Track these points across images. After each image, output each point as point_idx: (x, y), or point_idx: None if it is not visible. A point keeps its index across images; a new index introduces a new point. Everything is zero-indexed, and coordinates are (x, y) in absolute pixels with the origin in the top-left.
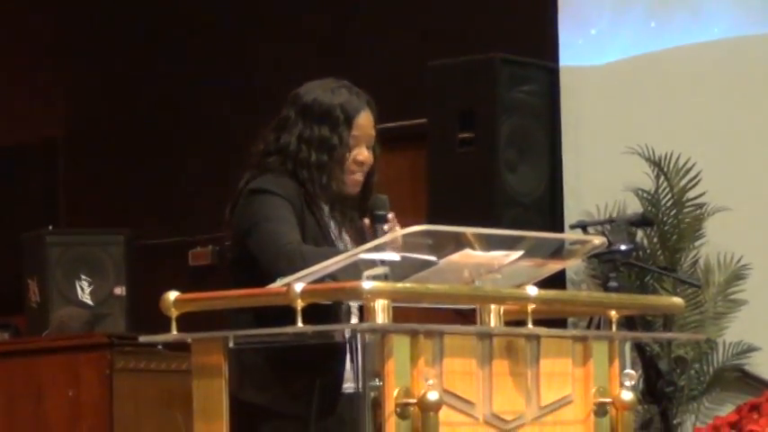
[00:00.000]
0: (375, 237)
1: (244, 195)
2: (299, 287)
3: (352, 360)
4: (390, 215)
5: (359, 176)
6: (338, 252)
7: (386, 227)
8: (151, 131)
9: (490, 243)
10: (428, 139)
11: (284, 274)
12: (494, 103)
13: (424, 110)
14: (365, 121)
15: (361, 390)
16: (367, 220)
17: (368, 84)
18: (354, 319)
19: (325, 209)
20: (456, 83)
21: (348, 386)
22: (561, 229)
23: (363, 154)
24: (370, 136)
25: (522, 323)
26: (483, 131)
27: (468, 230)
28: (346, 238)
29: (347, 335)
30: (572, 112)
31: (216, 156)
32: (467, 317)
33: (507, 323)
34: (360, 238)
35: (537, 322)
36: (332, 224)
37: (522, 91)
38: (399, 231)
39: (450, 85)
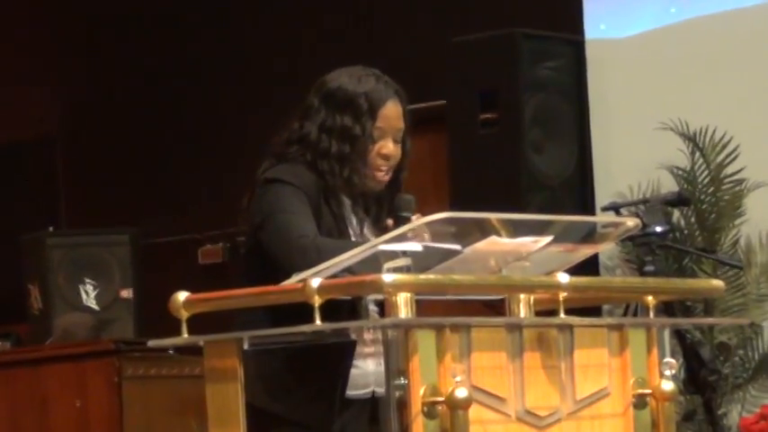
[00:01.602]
0: None
1: (259, 185)
2: (315, 282)
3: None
4: (414, 217)
5: (384, 171)
6: (356, 245)
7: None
8: (155, 124)
9: (517, 229)
10: (448, 121)
11: (299, 269)
12: (517, 80)
13: (443, 90)
14: (392, 112)
15: (384, 390)
16: (390, 221)
17: (383, 65)
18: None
19: (347, 203)
20: (476, 61)
21: (369, 390)
22: (592, 212)
23: (389, 147)
24: (398, 129)
25: (553, 313)
26: (506, 111)
27: (494, 216)
28: (368, 236)
29: (370, 335)
30: (600, 87)
31: (225, 147)
32: (495, 308)
33: (538, 313)
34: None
35: (569, 311)
36: (353, 220)
37: (547, 67)
38: (421, 220)
39: (470, 64)
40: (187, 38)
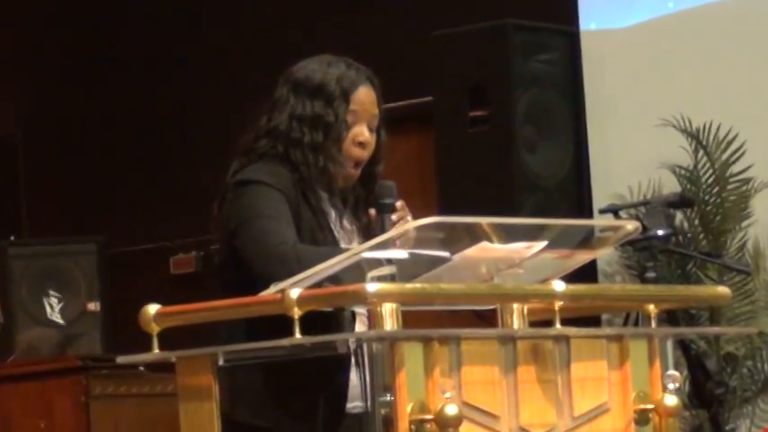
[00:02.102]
0: (382, 229)
1: (230, 188)
2: (295, 293)
3: (358, 374)
4: (399, 203)
5: (361, 159)
6: (339, 251)
7: (394, 217)
8: (122, 126)
9: (509, 234)
10: (435, 118)
11: (278, 279)
12: (508, 75)
13: (428, 86)
14: (366, 96)
15: (369, 407)
16: (373, 211)
17: (364, 59)
18: (361, 327)
19: (324, 196)
20: (464, 54)
21: (355, 405)
22: (590, 215)
23: (364, 134)
24: (373, 114)
25: (548, 323)
26: (497, 108)
27: (484, 220)
28: (348, 227)
29: (352, 345)
30: (596, 81)
31: (197, 149)
32: (487, 319)
33: (532, 324)
34: (365, 232)
35: (566, 321)
36: (332, 213)
37: (540, 60)
38: (407, 225)
39: (457, 58)
40: (156, 36)
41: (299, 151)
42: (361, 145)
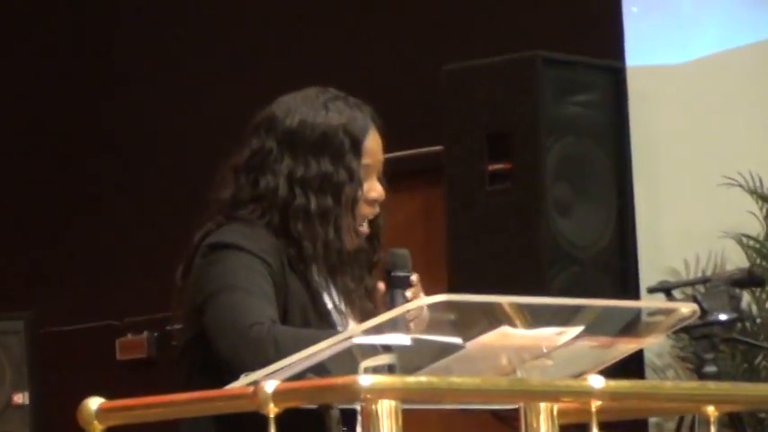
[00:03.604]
0: (392, 306)
1: (200, 253)
2: (270, 386)
3: None
4: (414, 277)
5: (371, 217)
6: (327, 335)
7: (408, 293)
8: (56, 175)
9: (536, 316)
10: (446, 172)
11: (250, 368)
12: (536, 120)
13: (438, 132)
14: (375, 143)
15: None
16: (381, 285)
17: (359, 97)
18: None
19: (313, 266)
20: (482, 94)
21: None
22: (636, 295)
23: (377, 189)
24: (381, 162)
25: (584, 428)
26: (522, 160)
27: (505, 300)
28: (343, 306)
29: None
30: (645, 129)
31: (153, 202)
32: (507, 421)
33: (563, 429)
34: (368, 309)
35: (606, 426)
36: (330, 287)
37: (576, 102)
38: (409, 304)
39: (473, 97)
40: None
41: (303, 222)
42: (374, 202)
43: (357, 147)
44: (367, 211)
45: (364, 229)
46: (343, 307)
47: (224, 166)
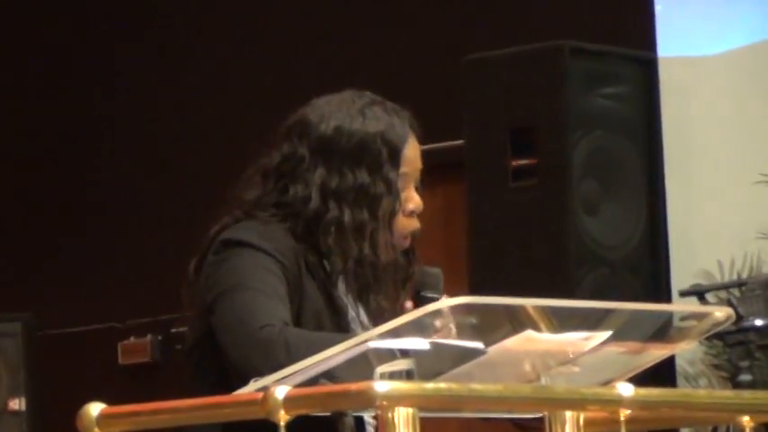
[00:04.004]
0: None
1: (213, 249)
2: (281, 392)
3: None
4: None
5: (414, 231)
6: (343, 337)
7: (438, 323)
8: (56, 173)
9: (562, 320)
10: (467, 168)
11: (260, 372)
12: (563, 113)
13: (458, 126)
14: (414, 151)
15: None
16: (409, 304)
17: (375, 91)
18: None
19: (339, 283)
20: (505, 85)
21: None
22: (668, 298)
23: (415, 200)
24: (419, 171)
25: None
26: (547, 156)
27: (530, 302)
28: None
29: None
30: (679, 123)
31: (158, 199)
32: (529, 430)
33: None
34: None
35: None
36: (355, 307)
37: (605, 95)
38: (434, 305)
39: (496, 89)
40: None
41: (335, 236)
42: (412, 213)
43: (395, 156)
44: (408, 224)
45: (405, 243)
46: (368, 323)
47: (252, 166)
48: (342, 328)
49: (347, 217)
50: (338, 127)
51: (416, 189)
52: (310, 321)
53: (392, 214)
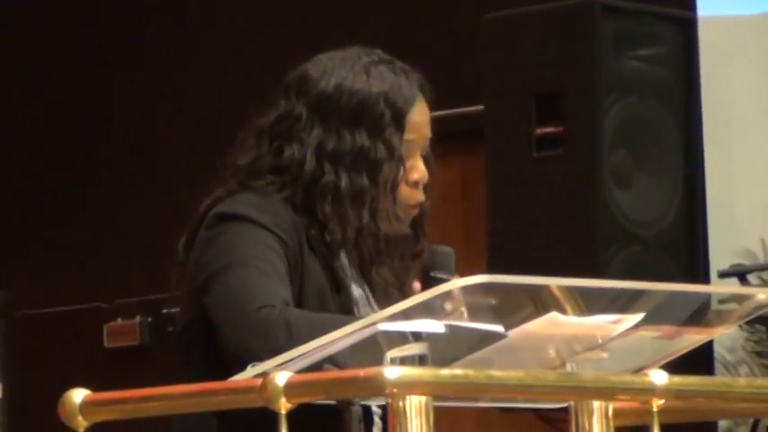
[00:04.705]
0: None
1: (206, 224)
2: (281, 378)
3: None
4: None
5: (415, 206)
6: (347, 320)
7: (448, 306)
8: (40, 147)
9: (590, 302)
10: (487, 136)
11: (259, 356)
12: (592, 77)
13: (478, 91)
14: (421, 116)
15: None
16: (418, 285)
17: (389, 53)
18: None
19: (342, 254)
20: (529, 47)
21: None
22: (706, 279)
23: (420, 169)
24: (427, 138)
25: (644, 430)
26: (575, 123)
27: (554, 282)
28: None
29: None
30: (719, 90)
31: (144, 176)
32: (553, 422)
33: (619, 431)
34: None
35: (669, 429)
36: (359, 280)
37: (639, 57)
38: (447, 285)
39: (519, 51)
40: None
41: (332, 203)
42: (416, 184)
43: (399, 120)
44: (411, 195)
45: (410, 213)
46: (373, 301)
47: (247, 127)
48: (347, 309)
49: (344, 182)
50: (339, 84)
51: (426, 160)
52: (313, 301)
53: (394, 182)
